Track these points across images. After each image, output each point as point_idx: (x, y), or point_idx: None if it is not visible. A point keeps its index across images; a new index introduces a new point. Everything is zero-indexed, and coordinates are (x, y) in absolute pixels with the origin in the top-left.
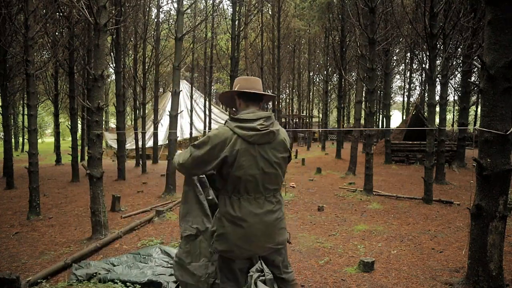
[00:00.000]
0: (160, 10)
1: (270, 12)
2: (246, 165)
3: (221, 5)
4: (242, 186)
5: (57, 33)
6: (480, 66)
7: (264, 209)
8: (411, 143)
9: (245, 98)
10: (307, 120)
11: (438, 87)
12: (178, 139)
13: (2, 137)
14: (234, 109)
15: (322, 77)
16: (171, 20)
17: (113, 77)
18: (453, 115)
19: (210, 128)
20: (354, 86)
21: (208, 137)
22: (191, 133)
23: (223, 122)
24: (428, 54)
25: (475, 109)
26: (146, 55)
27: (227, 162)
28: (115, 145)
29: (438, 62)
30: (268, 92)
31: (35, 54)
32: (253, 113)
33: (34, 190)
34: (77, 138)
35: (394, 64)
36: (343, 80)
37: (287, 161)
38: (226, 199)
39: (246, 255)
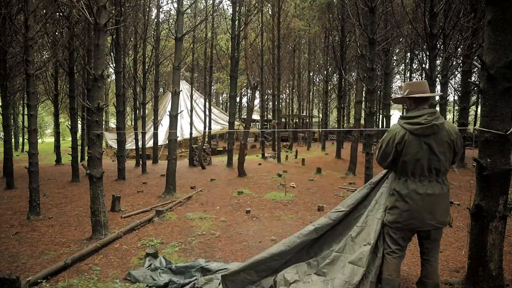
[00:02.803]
0: (160, 10)
1: (270, 12)
2: (412, 152)
3: (221, 5)
4: (409, 169)
5: (57, 33)
6: (480, 66)
7: (428, 190)
8: None
9: (413, 100)
10: (307, 120)
11: (438, 87)
12: (178, 139)
13: (2, 137)
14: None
15: (322, 77)
16: (171, 20)
17: (113, 77)
18: (453, 115)
19: (210, 128)
20: (354, 86)
21: (387, 133)
22: (191, 133)
23: (223, 122)
24: (428, 54)
25: (475, 109)
26: (146, 55)
27: (398, 150)
28: (115, 145)
29: (438, 62)
30: (431, 93)
31: (35, 54)
32: (418, 110)
33: (34, 190)
34: (77, 138)
35: (394, 64)
36: (343, 80)
37: (454, 149)
38: (397, 179)
39: (409, 227)
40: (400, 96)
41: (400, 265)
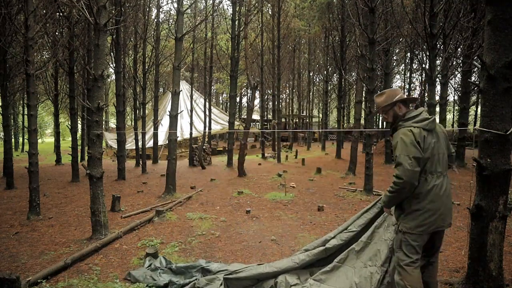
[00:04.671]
0: (160, 10)
1: (270, 12)
2: (429, 148)
3: (221, 5)
4: (427, 166)
5: (57, 33)
6: (480, 66)
7: (444, 186)
8: None
9: (404, 103)
10: (307, 120)
11: (438, 87)
12: (178, 139)
13: (2, 137)
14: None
15: (322, 77)
16: (171, 20)
17: (113, 77)
18: (453, 115)
19: (210, 128)
20: (354, 86)
21: (403, 141)
22: (191, 133)
23: (223, 122)
24: (428, 54)
25: (475, 109)
26: (146, 55)
27: (422, 148)
28: (115, 145)
29: (438, 62)
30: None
31: (35, 54)
32: (412, 110)
33: (34, 190)
34: (77, 138)
35: (394, 64)
36: (343, 80)
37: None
38: None
39: (432, 229)
40: (389, 102)
41: (421, 275)
